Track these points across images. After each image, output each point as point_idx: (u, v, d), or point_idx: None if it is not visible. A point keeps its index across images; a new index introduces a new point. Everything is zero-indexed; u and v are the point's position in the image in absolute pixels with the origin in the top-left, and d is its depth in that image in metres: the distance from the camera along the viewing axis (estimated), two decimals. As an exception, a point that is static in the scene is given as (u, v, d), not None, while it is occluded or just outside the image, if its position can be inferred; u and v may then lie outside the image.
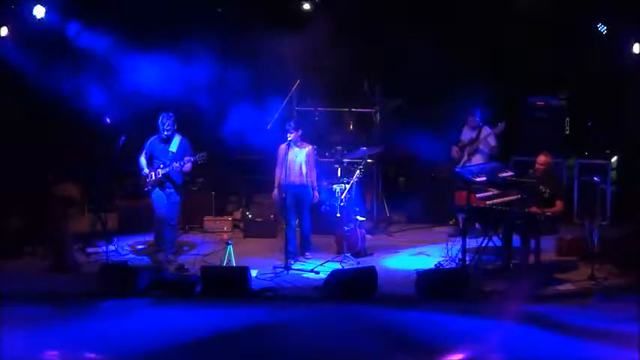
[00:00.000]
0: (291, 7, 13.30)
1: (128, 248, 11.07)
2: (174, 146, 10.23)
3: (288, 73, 12.74)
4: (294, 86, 12.55)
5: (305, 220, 10.59)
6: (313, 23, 12.73)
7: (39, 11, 11.39)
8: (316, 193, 10.56)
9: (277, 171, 10.51)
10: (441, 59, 13.00)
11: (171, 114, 10.23)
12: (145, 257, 10.65)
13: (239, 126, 12.82)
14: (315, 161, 10.70)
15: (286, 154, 10.38)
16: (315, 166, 10.59)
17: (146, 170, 10.18)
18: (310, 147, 10.60)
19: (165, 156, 10.18)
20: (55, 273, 9.97)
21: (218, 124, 13.10)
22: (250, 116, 12.67)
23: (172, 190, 10.27)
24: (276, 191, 10.56)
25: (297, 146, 10.42)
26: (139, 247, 11.11)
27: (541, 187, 9.70)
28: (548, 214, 9.53)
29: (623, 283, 9.51)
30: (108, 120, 10.91)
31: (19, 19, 11.40)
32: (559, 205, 9.81)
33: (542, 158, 9.97)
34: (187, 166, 10.17)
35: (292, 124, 10.49)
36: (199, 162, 10.11)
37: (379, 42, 13.26)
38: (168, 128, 10.16)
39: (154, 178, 10.15)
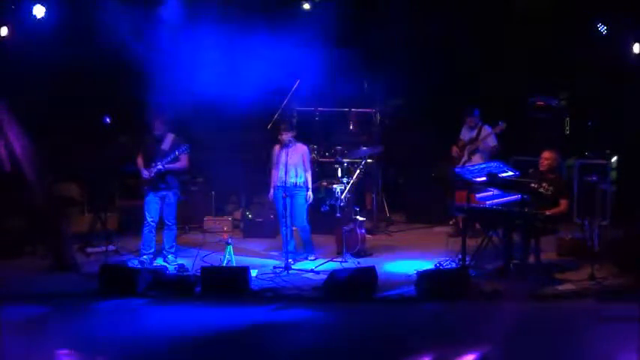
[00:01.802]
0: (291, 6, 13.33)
1: (115, 247, 10.97)
2: (166, 145, 10.26)
3: (288, 72, 12.76)
4: (294, 86, 12.55)
5: (303, 221, 10.55)
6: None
7: (39, 11, 11.39)
8: (310, 194, 10.51)
9: (273, 172, 10.50)
10: (441, 59, 13.04)
11: (161, 115, 10.25)
12: (134, 258, 10.60)
13: (239, 126, 12.84)
14: (310, 161, 10.68)
15: (280, 155, 10.37)
16: (310, 166, 10.58)
17: (145, 172, 10.21)
18: (305, 147, 10.57)
19: (158, 155, 10.21)
20: (55, 273, 9.97)
21: (218, 124, 13.12)
22: (250, 116, 12.68)
23: (166, 191, 10.28)
24: (272, 192, 10.54)
25: (291, 147, 10.39)
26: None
27: (543, 185, 9.70)
28: (548, 213, 9.52)
29: (623, 283, 9.51)
30: (108, 120, 10.90)
31: (19, 19, 11.40)
32: (563, 204, 9.81)
33: (547, 153, 9.99)
34: (181, 163, 10.20)
35: (285, 125, 10.50)
36: (181, 154, 10.11)
37: (379, 42, 13.29)
38: (158, 127, 10.21)
39: (148, 177, 10.18)
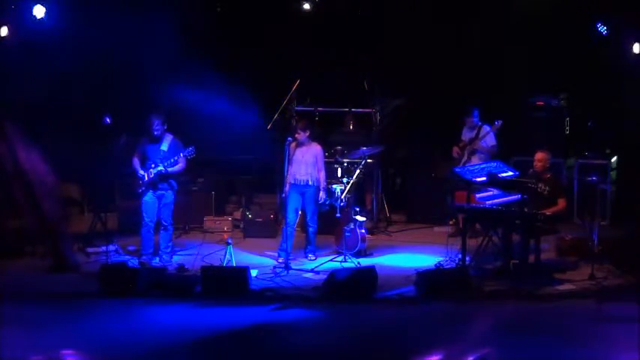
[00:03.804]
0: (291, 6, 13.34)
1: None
2: (165, 145, 10.26)
3: (288, 72, 12.77)
4: (294, 86, 12.56)
5: (312, 220, 10.59)
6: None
7: (39, 11, 11.38)
8: (322, 194, 10.56)
9: (287, 170, 10.45)
10: (441, 59, 13.04)
11: (160, 114, 10.25)
12: (134, 258, 10.60)
13: (239, 126, 12.85)
14: (324, 161, 10.70)
15: (294, 153, 10.40)
16: (323, 166, 10.61)
17: (141, 172, 10.21)
18: (319, 147, 10.62)
19: (157, 156, 10.20)
20: (55, 273, 9.97)
21: (218, 124, 13.12)
22: (250, 116, 12.69)
23: (165, 191, 10.29)
24: (287, 189, 10.51)
25: (306, 146, 10.45)
26: (131, 247, 11.07)
27: (540, 185, 9.71)
28: (548, 213, 9.53)
29: (623, 283, 9.51)
30: (108, 120, 10.90)
31: (19, 19, 11.39)
32: (561, 203, 9.81)
33: (539, 155, 10.01)
34: (180, 165, 10.21)
35: (302, 124, 10.55)
36: (189, 157, 10.14)
37: (379, 42, 13.29)
38: (157, 128, 10.19)
39: (147, 178, 10.17)
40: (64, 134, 12.14)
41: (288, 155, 10.43)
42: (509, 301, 9.00)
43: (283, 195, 10.61)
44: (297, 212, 10.55)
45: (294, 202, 10.46)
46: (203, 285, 9.25)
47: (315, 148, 10.54)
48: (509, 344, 7.78)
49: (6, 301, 8.34)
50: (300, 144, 10.44)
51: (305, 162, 10.42)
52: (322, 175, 10.54)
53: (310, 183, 10.47)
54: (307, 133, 10.46)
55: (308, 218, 10.61)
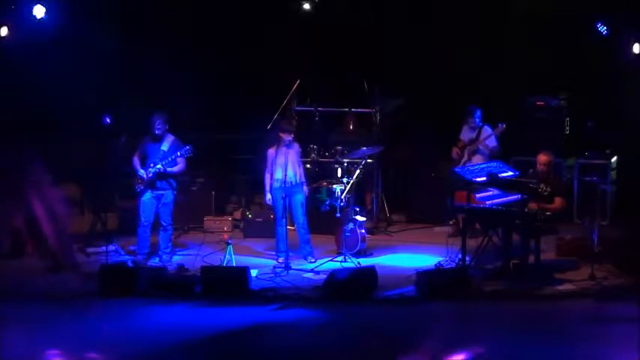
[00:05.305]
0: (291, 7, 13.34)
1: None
2: (165, 145, 10.27)
3: (287, 72, 12.77)
4: (294, 86, 12.56)
5: (304, 218, 10.57)
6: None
7: (39, 11, 11.38)
8: (306, 188, 10.61)
9: (267, 176, 10.46)
10: (441, 59, 13.04)
11: (162, 114, 10.26)
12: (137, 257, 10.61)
13: (239, 126, 12.86)
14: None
15: (278, 156, 10.37)
16: (301, 162, 10.67)
17: (141, 171, 10.21)
18: (298, 145, 10.67)
19: (157, 155, 10.22)
20: (55, 273, 9.97)
21: (218, 124, 13.13)
22: (250, 116, 12.69)
23: (164, 191, 10.29)
24: (269, 195, 10.52)
25: (292, 147, 10.45)
26: (132, 247, 11.06)
27: (542, 186, 9.70)
28: (548, 213, 9.53)
29: (623, 283, 9.51)
30: (108, 120, 10.90)
31: (19, 19, 11.39)
32: (558, 201, 9.81)
33: (543, 157, 9.99)
34: (180, 166, 10.21)
35: (291, 126, 10.55)
36: (185, 156, 10.15)
37: (379, 41, 13.29)
38: (159, 127, 10.21)
39: (146, 177, 10.18)
40: (64, 134, 12.13)
41: (270, 159, 10.38)
42: (510, 301, 9.00)
43: (268, 202, 10.56)
44: (289, 213, 10.53)
45: (284, 203, 10.39)
46: (203, 285, 9.25)
47: (296, 146, 10.58)
48: (509, 344, 7.78)
49: (6, 301, 8.35)
50: (285, 145, 10.39)
51: (292, 162, 10.43)
52: (302, 170, 10.60)
53: (298, 182, 10.49)
54: (294, 134, 10.50)
55: (302, 220, 10.54)
